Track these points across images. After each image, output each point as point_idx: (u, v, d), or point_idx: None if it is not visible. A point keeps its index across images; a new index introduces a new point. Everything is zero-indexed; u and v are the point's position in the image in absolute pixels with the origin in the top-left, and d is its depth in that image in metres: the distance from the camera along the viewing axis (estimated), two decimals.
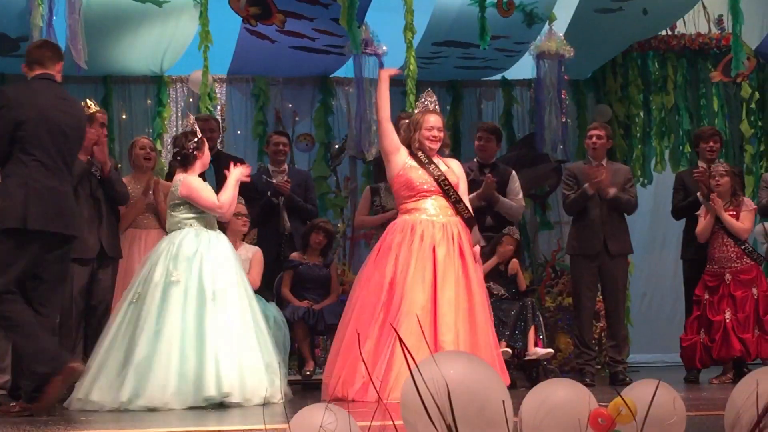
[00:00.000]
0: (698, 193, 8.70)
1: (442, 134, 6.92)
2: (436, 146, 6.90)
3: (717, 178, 8.49)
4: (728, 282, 8.37)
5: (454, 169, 6.94)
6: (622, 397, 2.88)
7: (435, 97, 7.11)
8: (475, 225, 6.97)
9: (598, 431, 2.85)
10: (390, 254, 6.62)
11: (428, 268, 6.54)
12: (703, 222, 8.51)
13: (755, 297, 8.32)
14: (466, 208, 6.86)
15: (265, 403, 6.27)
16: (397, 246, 6.62)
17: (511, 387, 6.72)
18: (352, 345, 6.44)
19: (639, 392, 3.00)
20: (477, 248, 6.92)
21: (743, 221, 8.43)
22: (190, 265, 6.59)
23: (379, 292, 6.52)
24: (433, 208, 6.75)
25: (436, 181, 6.76)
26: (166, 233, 6.96)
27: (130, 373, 6.25)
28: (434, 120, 6.91)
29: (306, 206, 9.14)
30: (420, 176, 6.77)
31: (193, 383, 6.24)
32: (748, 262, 8.40)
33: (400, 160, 6.82)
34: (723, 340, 8.27)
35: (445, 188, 6.77)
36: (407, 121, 7.15)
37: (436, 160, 6.91)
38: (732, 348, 8.24)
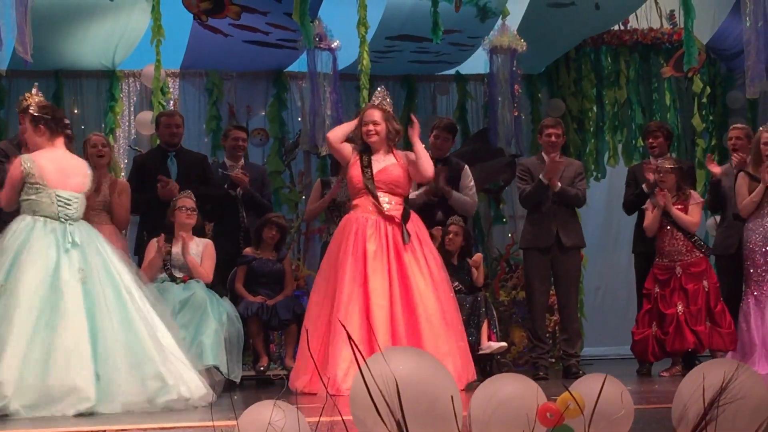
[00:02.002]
0: (643, 185, 8.77)
1: (379, 127, 7.12)
2: (374, 139, 7.15)
3: (662, 175, 8.55)
4: (679, 275, 8.42)
5: (401, 162, 7.15)
6: (570, 391, 2.88)
7: (384, 93, 7.24)
8: (408, 218, 7.08)
9: (546, 426, 2.86)
10: (333, 253, 6.99)
11: (360, 264, 6.81)
12: (650, 216, 8.56)
13: (706, 290, 8.38)
14: (396, 208, 7.05)
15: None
16: (338, 245, 6.96)
17: None
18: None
19: (587, 386, 3.01)
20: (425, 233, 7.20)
21: (691, 214, 8.51)
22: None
23: (329, 290, 6.90)
24: (371, 205, 7.01)
25: (365, 187, 6.99)
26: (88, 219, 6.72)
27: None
28: (368, 114, 7.15)
29: (262, 201, 9.10)
30: (359, 175, 7.06)
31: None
32: (697, 255, 8.46)
33: (350, 158, 7.18)
34: (676, 332, 8.33)
35: (374, 196, 6.99)
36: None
37: (381, 156, 7.14)
38: (686, 341, 8.30)
